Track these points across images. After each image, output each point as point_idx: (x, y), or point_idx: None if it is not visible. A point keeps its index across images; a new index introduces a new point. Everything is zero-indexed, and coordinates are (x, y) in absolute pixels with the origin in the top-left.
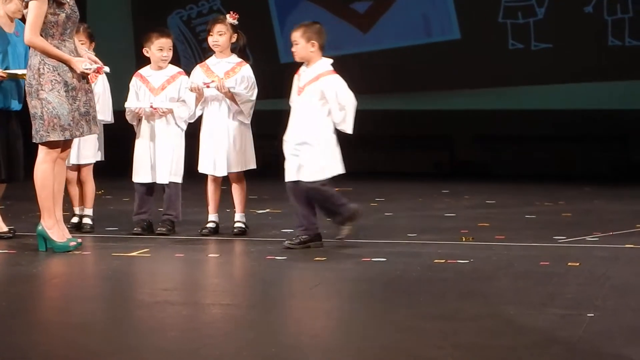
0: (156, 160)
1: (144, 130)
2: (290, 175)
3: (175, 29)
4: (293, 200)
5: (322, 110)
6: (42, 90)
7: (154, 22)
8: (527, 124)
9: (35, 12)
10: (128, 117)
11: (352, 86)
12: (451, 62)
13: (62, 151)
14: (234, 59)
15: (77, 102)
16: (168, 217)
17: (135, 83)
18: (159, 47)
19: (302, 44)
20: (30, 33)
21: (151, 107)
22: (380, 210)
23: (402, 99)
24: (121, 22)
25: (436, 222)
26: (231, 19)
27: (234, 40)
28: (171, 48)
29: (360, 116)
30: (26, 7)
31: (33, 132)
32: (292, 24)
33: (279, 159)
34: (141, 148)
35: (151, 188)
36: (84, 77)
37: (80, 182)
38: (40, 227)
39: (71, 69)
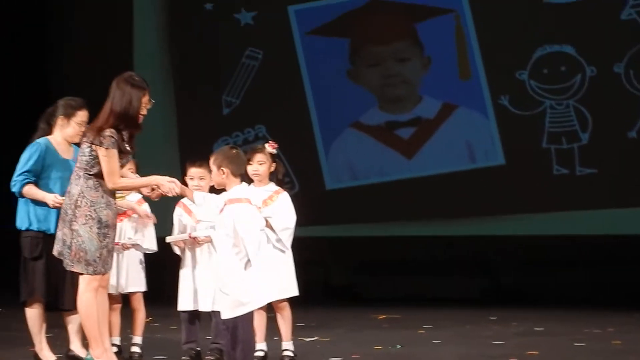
0: (199, 288)
1: (187, 258)
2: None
3: None
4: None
5: None
6: (75, 222)
7: (200, 150)
8: (573, 249)
9: (111, 161)
10: (174, 248)
11: (397, 212)
12: (495, 187)
13: (102, 279)
14: (272, 186)
15: (107, 239)
16: (216, 345)
17: (179, 212)
18: (189, 177)
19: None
20: (112, 180)
21: (189, 236)
22: (428, 337)
23: (446, 225)
24: (166, 150)
25: (485, 349)
26: (271, 148)
27: (272, 169)
28: (203, 177)
29: (406, 242)
30: (77, 140)
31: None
32: (338, 151)
33: (326, 285)
34: (185, 276)
35: (196, 316)
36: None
37: (131, 310)
38: (89, 356)
39: (109, 205)
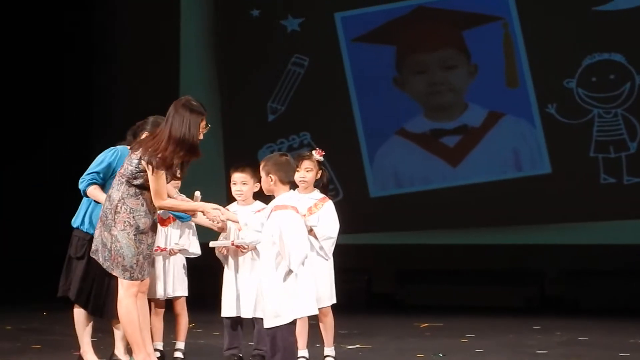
0: (241, 294)
1: (230, 264)
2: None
3: None
4: None
5: None
6: (114, 227)
7: (245, 156)
8: (619, 258)
9: (160, 182)
10: (217, 254)
11: (440, 220)
12: (542, 196)
13: (141, 284)
14: (317, 194)
15: (142, 245)
16: (258, 352)
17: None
18: (232, 182)
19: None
20: (159, 199)
21: (232, 244)
22: (471, 346)
23: (491, 233)
24: (212, 157)
25: (528, 359)
26: (318, 155)
27: (318, 176)
28: (245, 182)
29: (450, 250)
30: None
31: (101, 258)
32: (383, 158)
33: (369, 293)
34: (228, 282)
35: (239, 322)
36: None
37: (174, 315)
38: None
39: (148, 213)
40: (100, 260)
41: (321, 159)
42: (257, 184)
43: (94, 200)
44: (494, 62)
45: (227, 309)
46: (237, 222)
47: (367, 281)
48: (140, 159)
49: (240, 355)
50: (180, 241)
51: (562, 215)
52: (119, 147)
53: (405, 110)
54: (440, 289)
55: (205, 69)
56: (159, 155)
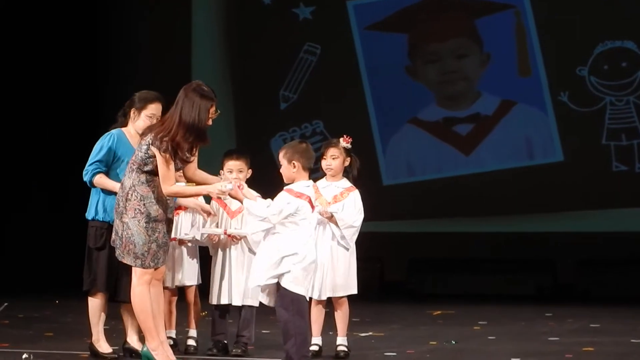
0: (232, 283)
1: (219, 253)
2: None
3: (278, 151)
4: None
5: None
6: (125, 214)
7: (257, 145)
8: (631, 246)
9: (168, 166)
10: (204, 241)
11: (452, 208)
12: (554, 184)
13: (156, 272)
14: (345, 183)
15: (156, 233)
16: (241, 338)
17: (213, 207)
18: (228, 169)
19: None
20: (166, 185)
21: (225, 233)
22: (483, 334)
23: (503, 222)
24: (224, 144)
25: (540, 346)
26: (345, 143)
27: (347, 164)
28: (242, 170)
29: (463, 238)
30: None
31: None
32: (395, 147)
33: (382, 281)
34: (217, 271)
35: (227, 310)
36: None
37: (187, 303)
38: (145, 349)
39: (159, 200)
40: (117, 251)
41: (348, 146)
42: (250, 171)
43: (102, 189)
44: (506, 50)
45: (217, 297)
46: (247, 196)
47: (380, 269)
48: (149, 144)
49: (225, 342)
50: (191, 231)
51: (574, 203)
52: (112, 131)
53: (418, 99)
54: (452, 277)
55: (217, 58)
56: (167, 139)
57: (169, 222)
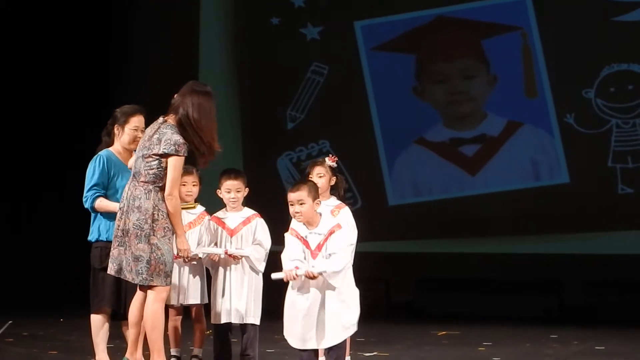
0: (232, 302)
1: (220, 272)
2: None
3: (285, 170)
4: None
5: None
6: (153, 235)
7: (264, 164)
8: (637, 268)
9: (180, 170)
10: (203, 261)
11: (458, 229)
12: (560, 206)
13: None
14: (333, 201)
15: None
16: (246, 357)
17: (211, 226)
18: (226, 189)
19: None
20: (174, 190)
21: (226, 253)
22: (488, 355)
23: (509, 242)
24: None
25: None
26: (330, 161)
27: (332, 183)
28: (240, 189)
29: (468, 259)
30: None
31: (133, 274)
32: (401, 167)
33: (388, 301)
34: (218, 289)
35: (229, 329)
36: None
37: (192, 322)
38: None
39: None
40: (131, 277)
41: (334, 165)
42: (247, 190)
43: (105, 213)
44: (512, 72)
45: (218, 316)
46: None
47: (385, 289)
48: (159, 158)
49: None
50: (196, 249)
51: (581, 225)
52: (100, 152)
53: (425, 119)
54: (458, 298)
55: (225, 76)
56: (180, 141)
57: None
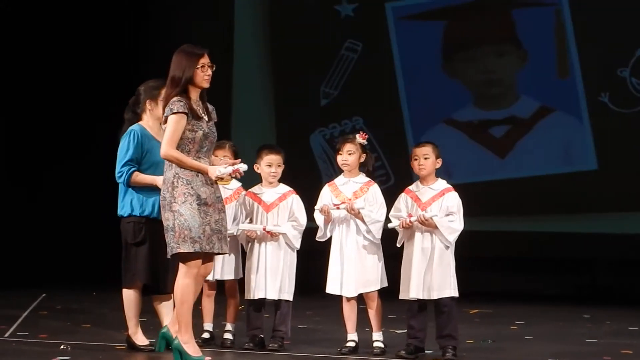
0: (267, 278)
1: (255, 248)
2: None
3: (317, 147)
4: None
5: None
6: (175, 202)
7: (297, 140)
8: None
9: (174, 126)
10: (238, 237)
11: (490, 208)
12: (592, 185)
13: (203, 267)
14: (362, 178)
15: (208, 217)
16: (278, 332)
17: (247, 202)
18: (267, 163)
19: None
20: (167, 146)
21: (264, 230)
22: (520, 333)
23: (542, 221)
24: (263, 139)
25: (577, 347)
26: (361, 138)
27: (362, 160)
28: (281, 164)
29: (500, 238)
30: (165, 121)
31: (168, 248)
32: None
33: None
34: (253, 265)
35: (262, 304)
36: (218, 182)
37: (225, 297)
38: (176, 342)
39: (205, 183)
40: (168, 251)
41: (364, 142)
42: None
43: (142, 186)
44: (545, 51)
45: (253, 291)
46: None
47: None
48: (165, 121)
49: (262, 336)
50: (232, 226)
51: (614, 204)
52: (132, 127)
53: (454, 99)
54: (490, 276)
55: (259, 53)
56: (173, 99)
57: (220, 212)
